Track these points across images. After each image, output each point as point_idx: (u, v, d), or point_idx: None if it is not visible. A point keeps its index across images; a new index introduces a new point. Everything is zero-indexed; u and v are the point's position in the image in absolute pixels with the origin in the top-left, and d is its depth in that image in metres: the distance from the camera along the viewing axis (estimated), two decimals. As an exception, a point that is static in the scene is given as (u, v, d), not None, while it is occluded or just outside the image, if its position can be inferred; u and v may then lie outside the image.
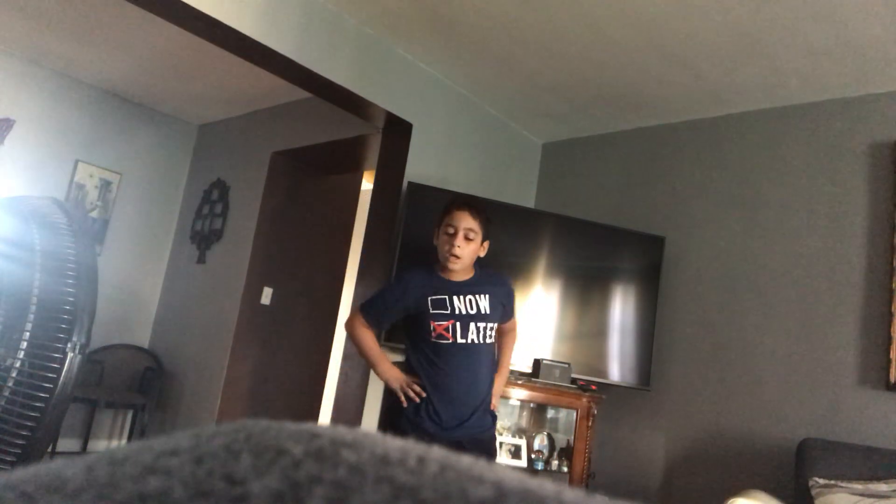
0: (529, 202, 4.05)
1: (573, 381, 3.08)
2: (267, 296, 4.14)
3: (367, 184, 4.82)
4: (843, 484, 2.32)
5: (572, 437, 3.07)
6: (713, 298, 3.21)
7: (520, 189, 4.01)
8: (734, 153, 3.30)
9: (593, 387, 3.15)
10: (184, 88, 4.32)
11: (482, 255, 2.16)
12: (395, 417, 2.14)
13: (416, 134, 3.34)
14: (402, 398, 2.09)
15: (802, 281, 2.94)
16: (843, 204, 2.90)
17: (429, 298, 2.10)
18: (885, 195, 2.78)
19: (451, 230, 2.07)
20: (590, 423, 3.07)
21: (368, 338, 2.18)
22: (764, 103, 3.20)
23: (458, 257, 2.06)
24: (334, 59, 2.97)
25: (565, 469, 3.09)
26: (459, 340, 2.09)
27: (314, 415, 4.34)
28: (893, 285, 2.66)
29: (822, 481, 2.37)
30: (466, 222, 2.07)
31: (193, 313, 4.41)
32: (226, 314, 4.09)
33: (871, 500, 2.22)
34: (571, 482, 2.98)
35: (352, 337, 2.23)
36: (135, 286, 4.65)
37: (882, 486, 2.26)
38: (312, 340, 4.40)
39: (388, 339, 3.15)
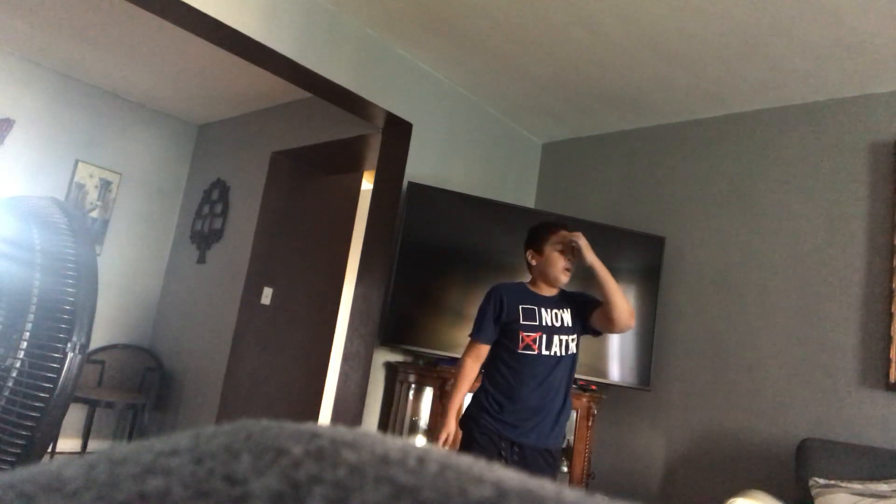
0: (529, 202, 4.05)
1: (573, 381, 3.08)
2: (267, 296, 4.14)
3: (367, 184, 4.82)
4: (843, 484, 2.32)
5: (572, 438, 3.07)
6: (713, 298, 3.21)
7: (520, 189, 4.01)
8: (734, 153, 3.30)
9: (593, 387, 3.16)
10: (184, 88, 4.32)
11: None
12: (466, 422, 2.22)
13: (416, 134, 3.35)
14: (439, 441, 2.14)
15: (802, 281, 2.94)
16: (843, 204, 2.90)
17: (520, 307, 2.20)
18: (885, 195, 2.78)
19: (561, 248, 2.22)
20: (590, 423, 3.07)
21: (466, 381, 2.22)
22: (764, 103, 3.20)
23: (570, 272, 2.24)
24: (334, 59, 2.97)
25: (565, 469, 3.09)
26: (544, 352, 2.17)
27: (314, 415, 4.34)
28: (893, 285, 2.66)
29: (822, 481, 2.37)
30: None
31: (193, 313, 4.41)
32: (226, 314, 4.08)
33: (871, 499, 2.22)
34: (571, 482, 2.98)
35: (460, 368, 2.25)
36: (135, 286, 4.65)
37: (882, 486, 2.27)
38: (312, 340, 4.40)
39: (388, 339, 3.15)
